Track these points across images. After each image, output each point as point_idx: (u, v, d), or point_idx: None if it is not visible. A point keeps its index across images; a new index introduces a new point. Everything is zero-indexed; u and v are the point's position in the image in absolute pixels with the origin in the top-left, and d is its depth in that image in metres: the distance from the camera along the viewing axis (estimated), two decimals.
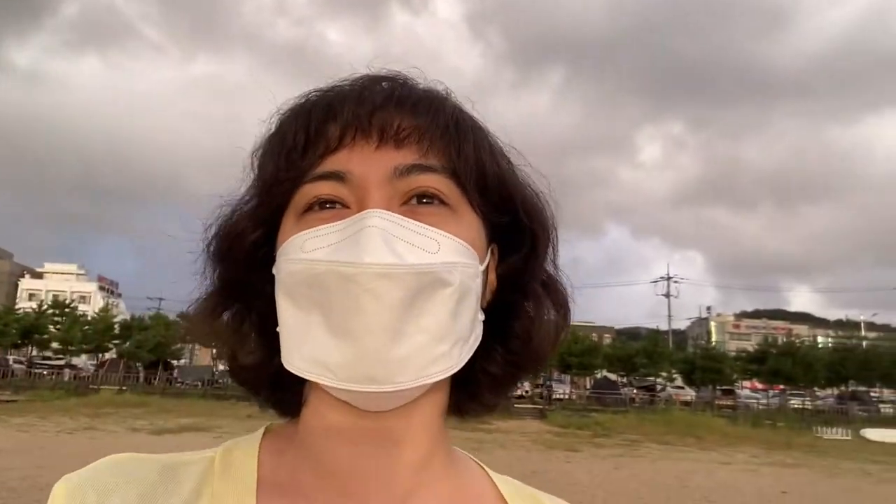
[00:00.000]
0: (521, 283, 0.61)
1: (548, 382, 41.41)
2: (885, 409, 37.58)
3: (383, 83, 0.58)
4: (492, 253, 0.60)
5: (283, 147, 0.56)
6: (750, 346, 47.76)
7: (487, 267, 0.58)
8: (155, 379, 37.42)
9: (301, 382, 0.57)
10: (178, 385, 37.96)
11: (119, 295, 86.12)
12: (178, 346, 45.81)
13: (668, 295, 62.11)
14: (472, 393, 0.61)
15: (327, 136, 0.55)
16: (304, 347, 0.51)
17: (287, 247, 0.53)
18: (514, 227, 0.60)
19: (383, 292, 0.48)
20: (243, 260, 0.58)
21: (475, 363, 0.58)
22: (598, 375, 43.29)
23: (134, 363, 40.65)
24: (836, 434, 25.18)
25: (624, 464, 14.87)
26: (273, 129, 0.59)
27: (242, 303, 0.60)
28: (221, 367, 48.47)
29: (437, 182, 0.54)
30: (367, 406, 0.53)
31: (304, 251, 0.51)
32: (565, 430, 22.29)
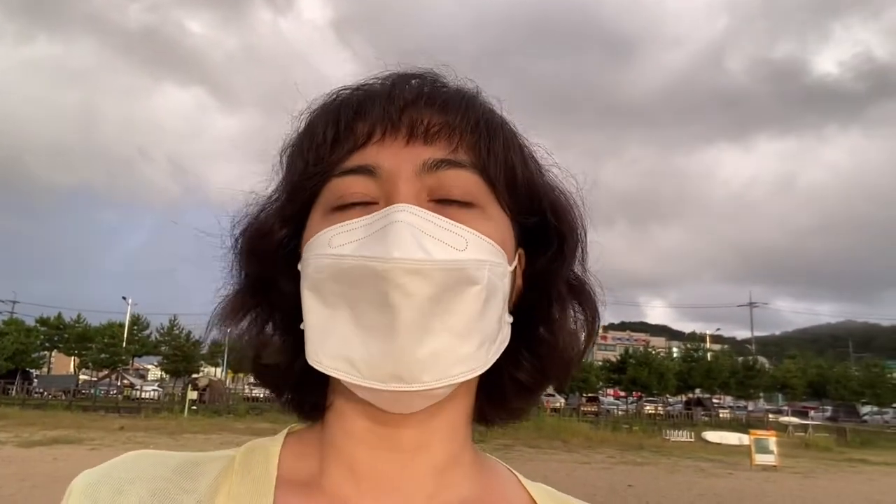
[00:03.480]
0: (547, 286, 0.60)
1: None
2: (724, 413, 42.16)
3: (413, 80, 0.58)
4: (519, 257, 0.59)
5: (312, 143, 0.56)
6: (614, 356, 51.49)
7: (515, 269, 0.58)
8: (12, 389, 34.70)
9: (324, 385, 0.58)
10: (38, 395, 35.40)
11: None
12: (38, 354, 42.66)
13: None
14: (498, 399, 0.60)
15: (356, 132, 0.55)
16: (329, 344, 0.50)
17: (314, 243, 0.53)
18: (542, 229, 0.60)
19: (412, 288, 0.47)
20: (270, 257, 0.58)
21: (501, 369, 0.56)
22: None
23: None
24: (681, 436, 28.11)
25: None
26: (302, 127, 0.59)
27: (267, 301, 0.60)
28: (84, 377, 45.59)
29: (466, 178, 0.54)
30: (391, 408, 0.51)
31: (331, 247, 0.51)
32: None
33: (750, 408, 47.23)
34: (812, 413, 44.17)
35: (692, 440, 27.71)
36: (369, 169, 0.53)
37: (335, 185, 0.54)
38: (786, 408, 47.25)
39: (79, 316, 44.86)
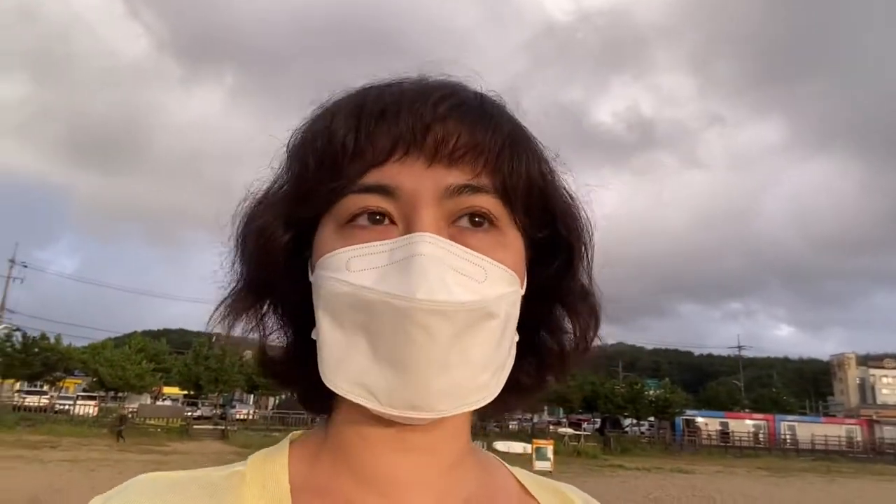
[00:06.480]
0: (557, 294, 0.61)
1: (230, 403, 41.51)
2: (513, 425, 45.85)
3: (440, 94, 0.55)
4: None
5: (330, 149, 0.53)
6: None
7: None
8: None
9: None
10: None
11: None
12: None
13: None
14: (498, 399, 0.58)
15: (378, 146, 0.53)
16: (346, 368, 0.51)
17: (330, 261, 0.52)
18: (551, 239, 0.60)
19: (436, 329, 0.47)
20: (272, 262, 0.57)
21: None
22: (283, 396, 44.44)
23: None
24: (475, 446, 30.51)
25: None
26: (320, 124, 0.56)
27: (272, 299, 0.60)
28: None
29: (487, 203, 0.53)
30: (403, 421, 0.52)
31: (350, 270, 0.50)
32: (246, 449, 22.67)
33: (535, 419, 51.78)
34: (585, 425, 49.57)
35: (485, 449, 30.06)
36: (389, 189, 0.52)
37: (351, 200, 0.53)
38: (564, 419, 52.60)
39: None
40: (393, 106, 0.54)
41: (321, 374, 0.53)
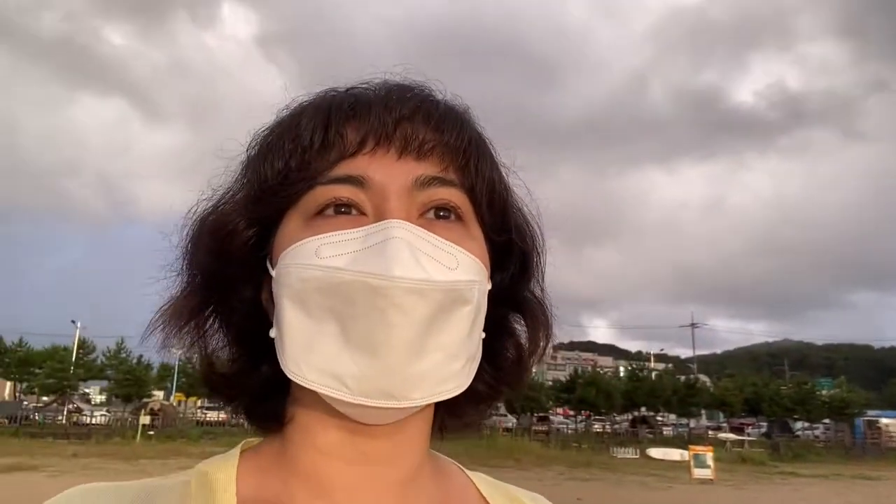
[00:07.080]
0: (514, 301, 0.62)
1: None
2: (667, 431, 43.86)
3: (408, 93, 0.57)
4: None
5: (297, 145, 0.53)
6: (563, 376, 52.84)
7: None
8: None
9: (284, 395, 0.56)
10: None
11: None
12: None
13: None
14: (455, 410, 0.61)
15: (347, 139, 0.53)
16: (314, 358, 0.49)
17: (296, 251, 0.51)
18: (506, 247, 0.61)
19: (411, 308, 0.47)
20: (233, 258, 0.55)
21: None
22: None
23: None
24: (627, 453, 29.42)
25: None
26: (285, 124, 0.56)
27: (224, 305, 0.58)
28: (29, 404, 43.97)
29: (455, 196, 0.55)
30: (369, 420, 0.51)
31: (319, 257, 0.49)
32: None
33: (692, 425, 49.06)
34: (749, 429, 46.24)
35: (637, 457, 29.00)
36: (360, 180, 0.52)
37: (320, 192, 0.53)
38: (725, 424, 49.37)
39: (20, 340, 43.58)
40: (363, 103, 0.55)
41: (284, 368, 0.51)
